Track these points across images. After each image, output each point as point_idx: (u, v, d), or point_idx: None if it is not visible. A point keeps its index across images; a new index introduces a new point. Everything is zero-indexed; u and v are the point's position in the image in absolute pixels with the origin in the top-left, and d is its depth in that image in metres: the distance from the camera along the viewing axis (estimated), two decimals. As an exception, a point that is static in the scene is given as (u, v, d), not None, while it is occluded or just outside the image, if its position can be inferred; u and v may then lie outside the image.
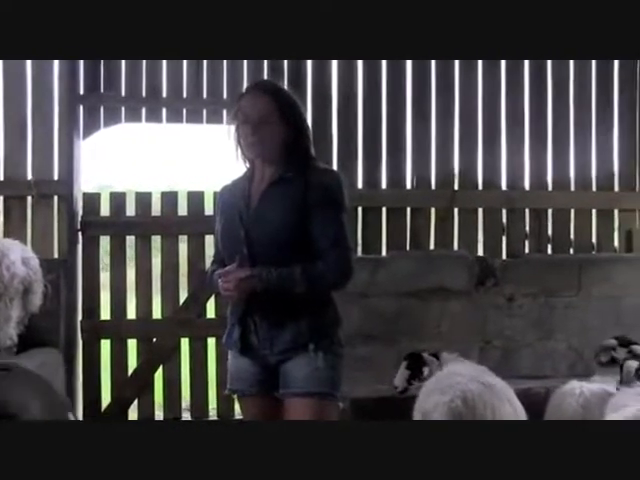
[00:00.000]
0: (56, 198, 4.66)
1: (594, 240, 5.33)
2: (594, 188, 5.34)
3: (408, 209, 5.08)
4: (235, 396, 2.76)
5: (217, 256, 2.75)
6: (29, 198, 4.65)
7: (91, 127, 4.77)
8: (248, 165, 2.70)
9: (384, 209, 5.06)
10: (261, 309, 2.57)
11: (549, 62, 5.25)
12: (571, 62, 5.27)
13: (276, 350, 2.57)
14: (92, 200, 4.81)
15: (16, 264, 4.04)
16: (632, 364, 4.10)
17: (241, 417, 2.82)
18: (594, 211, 5.33)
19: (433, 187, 5.13)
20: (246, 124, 2.58)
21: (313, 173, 2.59)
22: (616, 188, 5.37)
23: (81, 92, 4.72)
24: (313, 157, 2.66)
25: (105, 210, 4.82)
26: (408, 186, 5.10)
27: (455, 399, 3.34)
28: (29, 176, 4.66)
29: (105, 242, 4.82)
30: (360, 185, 5.03)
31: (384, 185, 5.08)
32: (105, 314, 4.82)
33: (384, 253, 5.01)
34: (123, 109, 4.78)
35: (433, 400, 3.43)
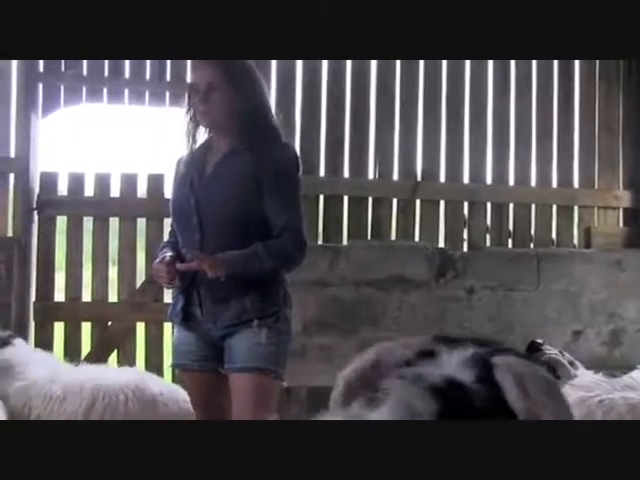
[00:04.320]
0: (12, 176, 4.55)
1: (554, 235, 5.37)
2: (554, 184, 5.39)
3: (370, 199, 5.06)
4: (178, 370, 2.70)
5: (172, 232, 2.70)
6: (-16, 175, 4.53)
7: (51, 106, 4.66)
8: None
9: (346, 198, 5.04)
10: (207, 283, 2.50)
11: (512, 60, 5.26)
12: (534, 61, 5.30)
13: (220, 325, 2.52)
14: (50, 179, 4.69)
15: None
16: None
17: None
18: (554, 207, 5.38)
19: (396, 178, 5.12)
20: (195, 94, 2.53)
21: (268, 147, 2.52)
22: (576, 185, 5.43)
23: (40, 70, 4.61)
24: (273, 127, 2.58)
25: (63, 190, 4.72)
26: (371, 176, 5.09)
27: None
28: (-15, 153, 4.54)
29: (62, 222, 4.73)
30: (322, 173, 5.00)
31: (346, 174, 5.06)
32: (59, 296, 4.72)
33: (344, 242, 5.00)
34: (84, 89, 4.68)
35: None
